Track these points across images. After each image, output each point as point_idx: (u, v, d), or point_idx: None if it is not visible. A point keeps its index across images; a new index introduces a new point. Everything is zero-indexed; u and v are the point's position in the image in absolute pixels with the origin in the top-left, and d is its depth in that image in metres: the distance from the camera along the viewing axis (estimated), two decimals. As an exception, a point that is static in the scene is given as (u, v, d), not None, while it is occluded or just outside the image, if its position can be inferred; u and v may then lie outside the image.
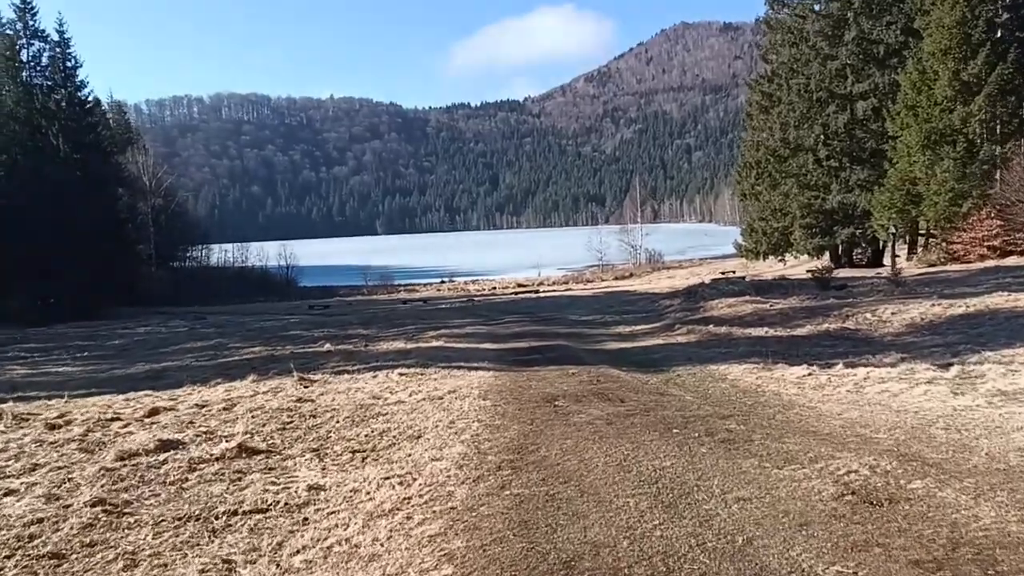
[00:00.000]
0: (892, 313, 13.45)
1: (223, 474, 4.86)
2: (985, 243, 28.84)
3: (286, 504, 4.22)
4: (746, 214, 45.22)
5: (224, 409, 7.26)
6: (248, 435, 5.86)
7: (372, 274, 67.72)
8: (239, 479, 4.76)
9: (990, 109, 29.09)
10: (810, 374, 8.49)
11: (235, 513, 4.07)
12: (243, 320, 29.79)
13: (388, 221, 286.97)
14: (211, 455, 5.27)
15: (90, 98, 45.14)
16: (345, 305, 43.12)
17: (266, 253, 66.98)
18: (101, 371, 13.86)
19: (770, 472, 4.41)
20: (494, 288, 52.76)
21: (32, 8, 40.32)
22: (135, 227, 54.67)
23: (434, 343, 13.99)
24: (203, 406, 7.54)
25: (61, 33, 41.76)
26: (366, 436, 5.88)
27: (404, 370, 9.45)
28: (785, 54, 37.15)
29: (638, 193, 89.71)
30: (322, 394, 7.94)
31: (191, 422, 6.65)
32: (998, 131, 30.32)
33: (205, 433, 6.07)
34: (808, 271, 35.40)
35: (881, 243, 37.70)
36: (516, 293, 44.50)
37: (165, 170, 65.09)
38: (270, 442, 5.77)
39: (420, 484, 4.49)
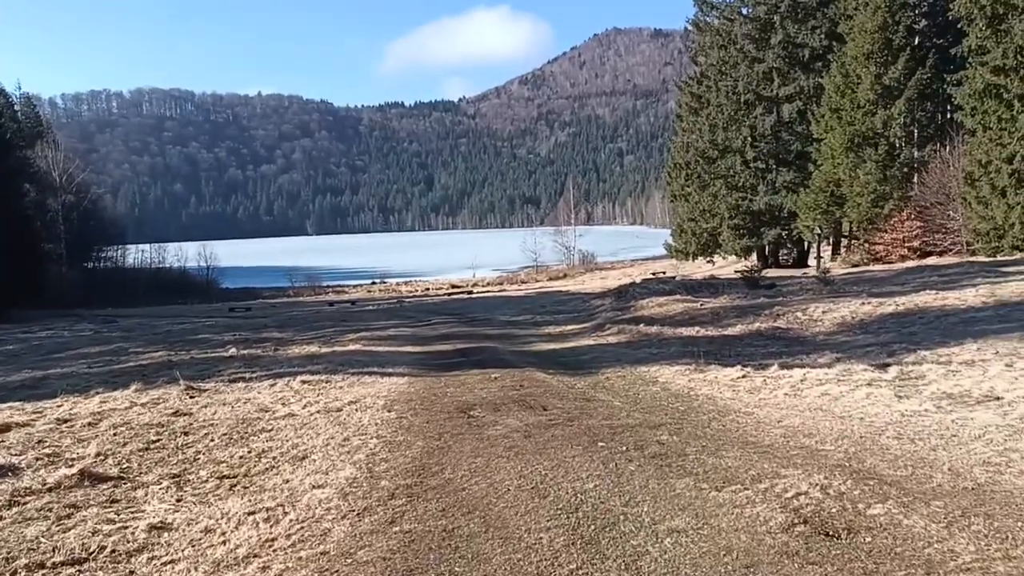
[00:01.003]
0: (823, 312, 13.22)
1: (50, 509, 3.95)
2: (906, 244, 29.50)
3: (114, 551, 3.36)
4: (676, 215, 45.51)
5: (88, 425, 6.26)
6: (100, 457, 4.93)
7: (299, 275, 65.66)
8: (68, 516, 3.86)
9: (910, 113, 29.79)
10: (744, 376, 7.99)
11: (41, 566, 3.19)
12: (155, 323, 28.13)
13: (319, 221, 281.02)
14: (44, 484, 4.34)
15: (-8, 89, 42.04)
16: (268, 307, 41.49)
17: (185, 253, 64.09)
18: (-26, 380, 12.46)
19: (708, 495, 3.77)
20: (427, 289, 51.75)
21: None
22: (44, 225, 51.53)
23: (351, 347, 13.06)
24: (65, 421, 6.51)
25: (-42, 20, 38.86)
26: (241, 458, 5.02)
27: (308, 377, 8.54)
28: (714, 56, 37.41)
29: (571, 195, 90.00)
30: (205, 406, 6.99)
31: (40, 441, 5.64)
32: (917, 135, 31.13)
33: (49, 456, 5.09)
34: (737, 271, 35.89)
35: (806, 244, 38.40)
36: (449, 294, 43.68)
37: (76, 165, 61.52)
38: (125, 466, 4.85)
39: (291, 520, 3.68)
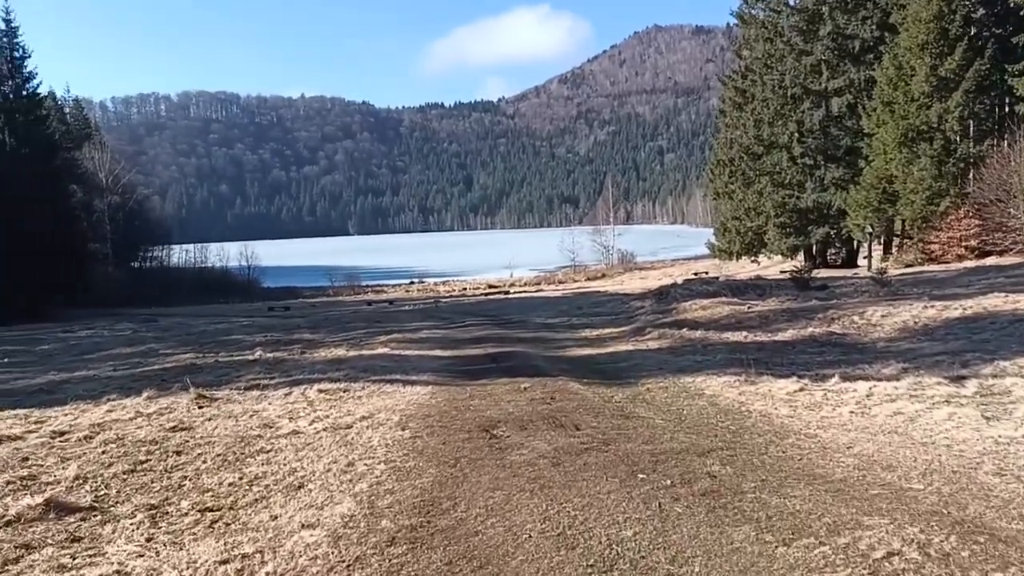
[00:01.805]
0: (882, 316, 12.27)
1: (-1, 551, 3.41)
2: (963, 243, 28.04)
3: (51, 613, 2.79)
4: (719, 214, 44.30)
5: (83, 439, 5.78)
6: (78, 482, 4.41)
7: (338, 275, 65.86)
8: (16, 559, 3.32)
9: (968, 106, 28.30)
10: (802, 389, 7.20)
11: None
12: (193, 323, 28.16)
13: (360, 221, 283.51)
14: (2, 517, 3.81)
15: (39, 90, 42.77)
16: (307, 307, 41.50)
17: (227, 253, 64.84)
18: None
19: (774, 552, 3.07)
20: (464, 289, 51.36)
21: (-22, -2, 38.16)
22: (90, 225, 52.51)
23: (379, 350, 12.52)
24: (62, 434, 6.05)
25: (8, 22, 39.58)
26: (231, 485, 4.45)
27: (326, 385, 8.00)
28: (759, 49, 36.16)
29: (611, 194, 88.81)
30: (210, 419, 6.48)
31: (25, 459, 5.16)
32: (974, 129, 29.59)
33: (23, 479, 4.60)
34: (783, 271, 34.63)
35: (856, 243, 36.95)
36: (486, 294, 43.16)
37: (123, 167, 62.48)
38: (101, 493, 4.33)
39: (267, 573, 3.08)
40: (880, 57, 31.37)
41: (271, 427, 6.03)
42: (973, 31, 29.16)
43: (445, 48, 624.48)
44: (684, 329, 12.91)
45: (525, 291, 44.30)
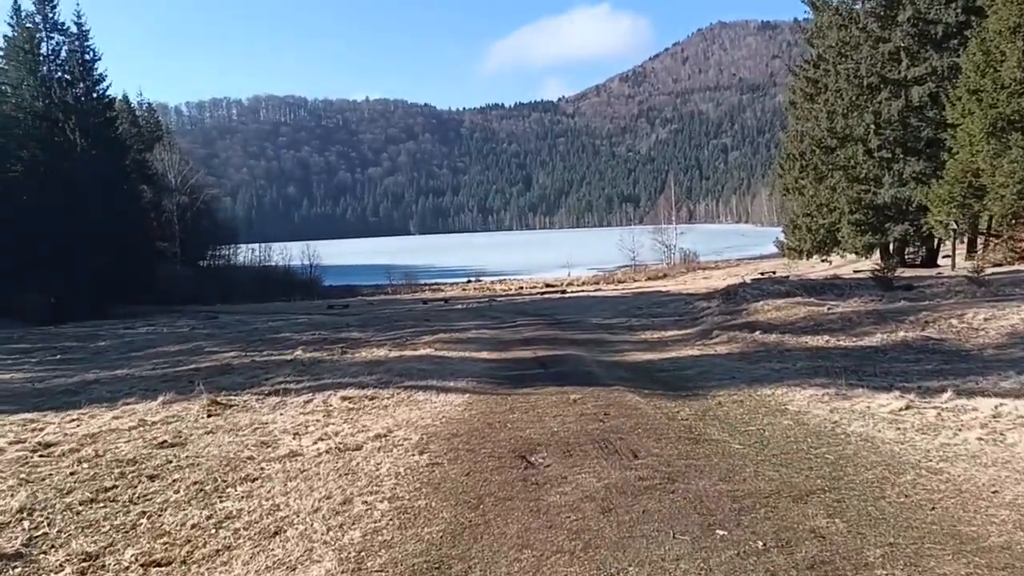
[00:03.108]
0: (984, 319, 10.80)
1: None
2: (1059, 241, 25.80)
3: None
4: (788, 211, 42.23)
5: (64, 454, 5.06)
6: (19, 516, 3.63)
7: (397, 273, 65.91)
8: None
9: (1066, 92, 25.96)
10: (908, 407, 5.98)
11: None
12: (251, 320, 28.18)
13: (421, 221, 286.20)
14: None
15: (109, 92, 43.84)
16: (364, 305, 41.40)
17: (290, 253, 65.81)
18: (40, 379, 11.94)
19: None
20: (521, 288, 50.52)
21: (52, 1, 39.20)
22: (159, 224, 53.85)
23: (422, 351, 11.68)
24: (48, 446, 5.36)
25: (80, 26, 40.68)
26: (194, 527, 3.59)
27: (353, 392, 7.17)
28: (832, 37, 34.08)
29: (672, 192, 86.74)
30: (209, 432, 5.70)
31: (-13, 479, 4.43)
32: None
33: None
34: (856, 271, 32.64)
35: (936, 241, 34.60)
36: (542, 293, 42.19)
37: (191, 167, 63.92)
38: (39, 533, 3.53)
39: None
40: (965, 43, 29.10)
41: (269, 446, 5.19)
42: (1073, 10, 26.84)
43: (505, 49, 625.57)
44: (757, 332, 11.66)
45: (583, 290, 43.12)
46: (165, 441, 5.37)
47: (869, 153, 32.71)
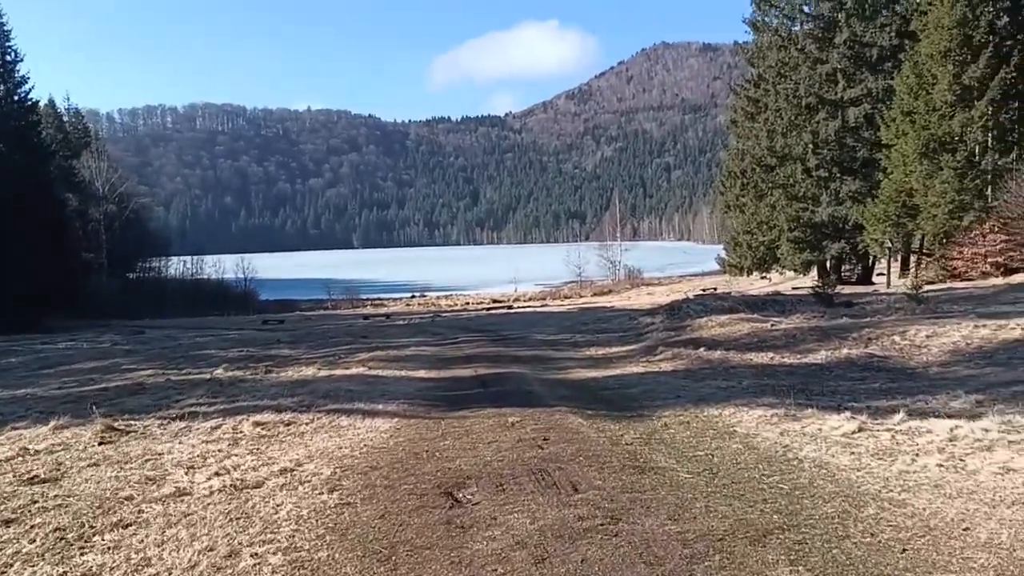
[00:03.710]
0: (927, 336, 10.77)
1: None
2: (988, 259, 26.52)
3: None
4: (728, 228, 42.80)
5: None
6: None
7: (338, 288, 64.58)
8: None
9: (993, 116, 26.85)
10: (861, 429, 5.69)
11: None
12: (179, 335, 26.98)
13: (365, 234, 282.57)
14: None
15: (32, 96, 41.68)
16: (301, 320, 40.28)
17: (223, 265, 63.88)
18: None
19: None
20: (467, 303, 49.97)
21: (-32, -1, 37.08)
22: (85, 234, 51.48)
23: (354, 370, 11.05)
24: None
25: (0, 25, 38.57)
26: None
27: (269, 416, 6.54)
28: (772, 58, 34.76)
29: (617, 209, 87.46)
30: (93, 464, 5.02)
31: None
32: (999, 140, 28.12)
33: None
34: (795, 288, 33.08)
35: (871, 259, 35.45)
36: (488, 309, 41.72)
37: (119, 175, 61.50)
38: None
39: None
40: (899, 65, 29.98)
41: (156, 482, 4.55)
42: (997, 39, 27.85)
43: (452, 62, 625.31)
44: (701, 349, 11.40)
45: (529, 306, 42.82)
46: (37, 476, 4.66)
47: (807, 172, 33.34)
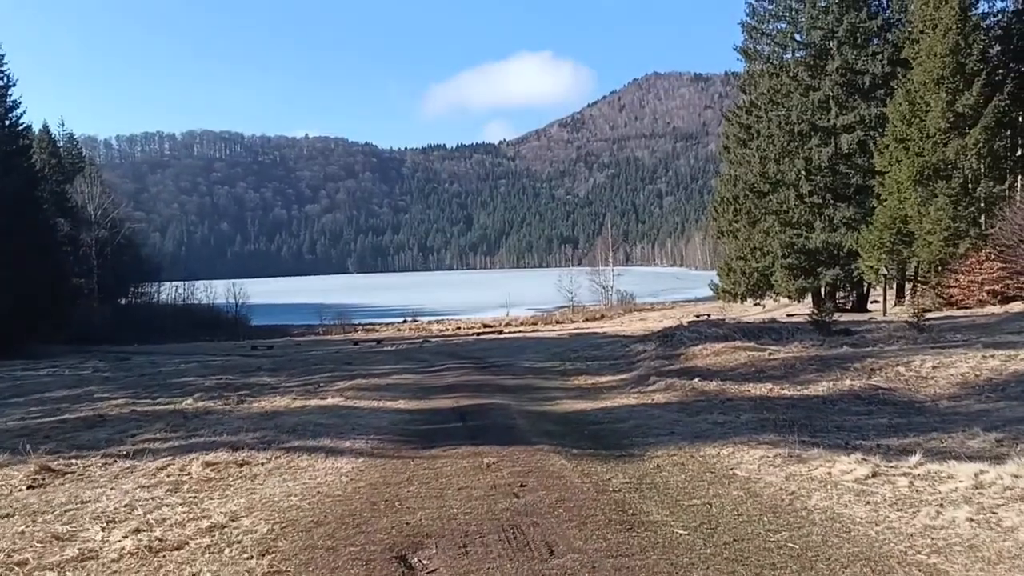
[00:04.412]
0: (933, 367, 10.24)
1: None
2: (985, 287, 26.15)
3: None
4: (721, 254, 42.45)
5: None
6: None
7: (329, 313, 64.00)
8: None
9: (987, 143, 26.64)
10: (875, 474, 5.12)
11: None
12: (164, 361, 26.48)
13: (360, 260, 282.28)
14: None
15: (23, 120, 41.44)
16: (292, 345, 39.75)
17: (215, 291, 63.46)
18: None
19: None
20: (458, 328, 49.40)
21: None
22: (76, 259, 50.92)
23: (330, 400, 10.44)
24: None
25: (-6, 50, 38.58)
26: None
27: (223, 455, 5.94)
28: (764, 85, 34.65)
29: (609, 234, 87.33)
30: (4, 516, 4.41)
31: None
32: (994, 168, 27.93)
33: None
34: (789, 315, 32.59)
35: (866, 286, 35.06)
36: (479, 334, 41.15)
37: (112, 200, 61.07)
38: None
39: None
40: (891, 93, 29.86)
41: (64, 540, 3.92)
42: (989, 67, 27.80)
43: (448, 91, 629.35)
44: (696, 379, 10.83)
45: (520, 331, 42.27)
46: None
47: (800, 198, 33.04)
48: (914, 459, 5.40)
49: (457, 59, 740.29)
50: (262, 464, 5.84)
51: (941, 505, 4.36)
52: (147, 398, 12.88)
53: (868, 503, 4.52)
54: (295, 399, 10.62)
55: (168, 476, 5.44)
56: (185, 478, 5.39)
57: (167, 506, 4.62)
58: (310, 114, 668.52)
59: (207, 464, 5.71)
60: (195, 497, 4.87)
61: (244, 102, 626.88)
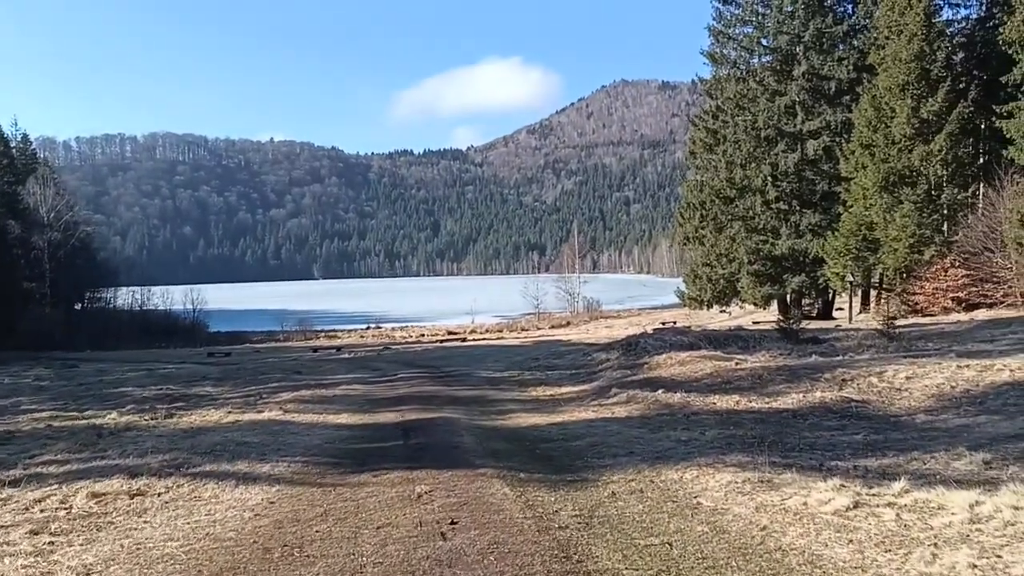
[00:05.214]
0: (906, 377, 9.75)
1: None
2: (950, 294, 26.03)
3: None
4: (689, 260, 42.20)
5: None
6: None
7: (291, 319, 62.65)
8: None
9: (951, 149, 26.62)
10: (857, 504, 4.51)
11: None
12: (113, 369, 25.30)
13: (326, 265, 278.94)
14: None
15: (-32, 120, 39.70)
16: (251, 352, 38.51)
17: (171, 297, 61.76)
18: None
19: None
20: (422, 335, 48.52)
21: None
22: (27, 263, 49.04)
23: (268, 413, 9.62)
24: None
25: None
26: None
27: (117, 483, 5.14)
28: (731, 89, 34.41)
29: (576, 241, 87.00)
30: None
31: None
32: (958, 174, 27.94)
33: None
34: (755, 322, 32.33)
35: (831, 293, 34.96)
36: (442, 341, 40.34)
37: (66, 202, 59.02)
38: None
39: None
40: (857, 99, 29.80)
41: None
42: (954, 74, 27.87)
43: (416, 96, 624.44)
44: (660, 391, 10.21)
45: (484, 338, 41.53)
46: None
47: (767, 204, 32.80)
48: (898, 485, 4.80)
49: (426, 64, 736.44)
50: (158, 495, 5.07)
51: (936, 545, 3.75)
52: (74, 411, 11.94)
53: (851, 541, 3.90)
54: (229, 412, 9.79)
55: (42, 511, 4.65)
56: (61, 514, 4.60)
57: (11, 556, 3.83)
58: (275, 118, 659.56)
59: (93, 495, 4.92)
60: (54, 542, 4.08)
61: (208, 105, 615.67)
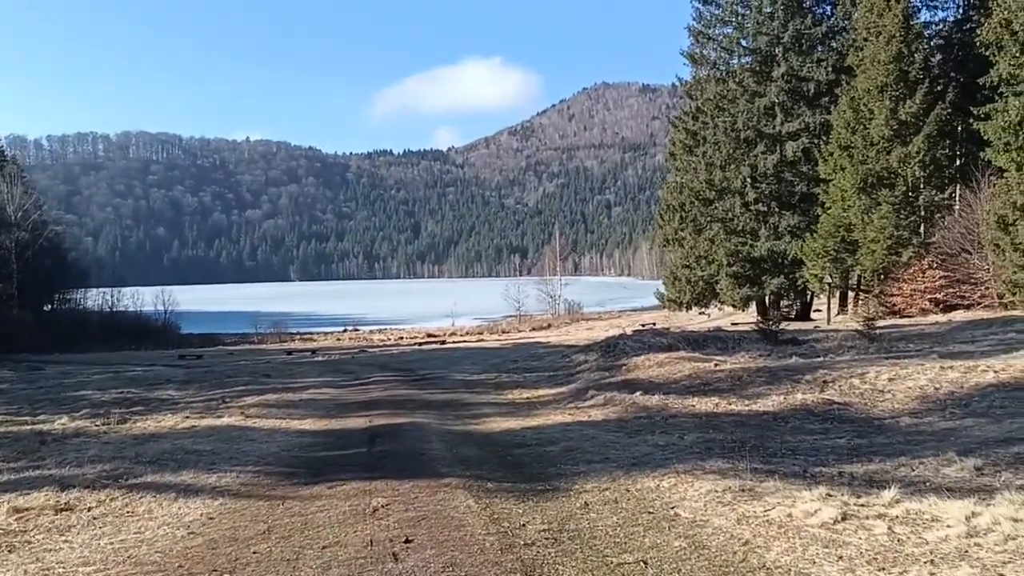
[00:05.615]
0: (889, 379, 9.50)
1: None
2: (927, 295, 26.04)
3: None
4: (667, 263, 42.07)
5: None
6: None
7: (265, 321, 61.73)
8: None
9: (930, 151, 26.63)
10: (845, 516, 4.19)
11: None
12: (79, 371, 24.63)
13: (303, 267, 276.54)
14: None
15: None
16: (223, 355, 37.79)
17: (142, 298, 60.62)
18: None
19: None
20: (400, 338, 47.96)
21: None
22: (-9, 263, 47.91)
23: (227, 419, 9.18)
24: None
25: None
26: None
27: (44, 497, 4.70)
28: (710, 90, 34.31)
29: (557, 243, 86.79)
30: None
31: None
32: (936, 176, 27.99)
33: None
34: (734, 324, 32.22)
35: (810, 295, 34.96)
36: (421, 344, 39.83)
37: (34, 200, 57.77)
38: None
39: None
40: (835, 101, 29.80)
41: None
42: (932, 74, 27.92)
43: (396, 95, 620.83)
44: (637, 393, 9.88)
45: (463, 341, 41.08)
46: None
47: (746, 206, 32.72)
48: (888, 495, 4.49)
49: (407, 63, 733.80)
50: (88, 510, 4.64)
51: (933, 563, 3.43)
52: (27, 415, 11.42)
53: (841, 558, 3.58)
54: (187, 417, 9.32)
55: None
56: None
57: None
58: (251, 117, 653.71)
59: (15, 510, 4.49)
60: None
61: (183, 104, 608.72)
